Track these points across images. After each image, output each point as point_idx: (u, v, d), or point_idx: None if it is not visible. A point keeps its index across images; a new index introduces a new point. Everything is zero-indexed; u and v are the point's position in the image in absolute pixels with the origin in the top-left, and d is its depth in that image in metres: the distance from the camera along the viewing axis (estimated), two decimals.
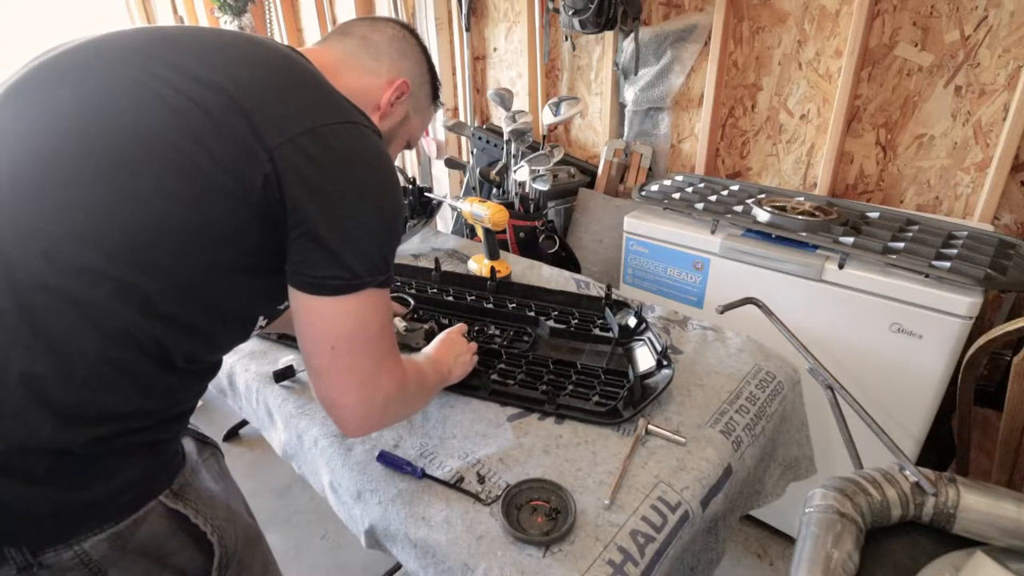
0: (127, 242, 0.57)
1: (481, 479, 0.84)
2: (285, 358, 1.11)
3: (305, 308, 0.64)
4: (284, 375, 1.07)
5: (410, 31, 0.85)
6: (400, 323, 1.13)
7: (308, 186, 0.60)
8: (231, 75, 0.61)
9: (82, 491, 0.59)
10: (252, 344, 1.18)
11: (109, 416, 0.59)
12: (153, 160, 0.57)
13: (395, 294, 1.30)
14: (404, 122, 0.86)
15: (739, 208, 1.48)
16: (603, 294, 1.28)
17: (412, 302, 1.26)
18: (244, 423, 2.22)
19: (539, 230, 1.81)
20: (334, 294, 0.63)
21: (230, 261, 0.62)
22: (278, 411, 1.03)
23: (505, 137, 1.79)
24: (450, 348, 0.97)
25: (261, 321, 0.75)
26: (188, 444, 0.75)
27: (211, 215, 0.59)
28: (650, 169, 1.98)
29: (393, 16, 2.49)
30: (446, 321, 1.14)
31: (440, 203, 1.72)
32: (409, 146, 0.91)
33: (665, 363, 1.01)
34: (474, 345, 1.04)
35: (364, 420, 0.69)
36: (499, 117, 1.93)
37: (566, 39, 2.05)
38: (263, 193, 0.59)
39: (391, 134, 0.84)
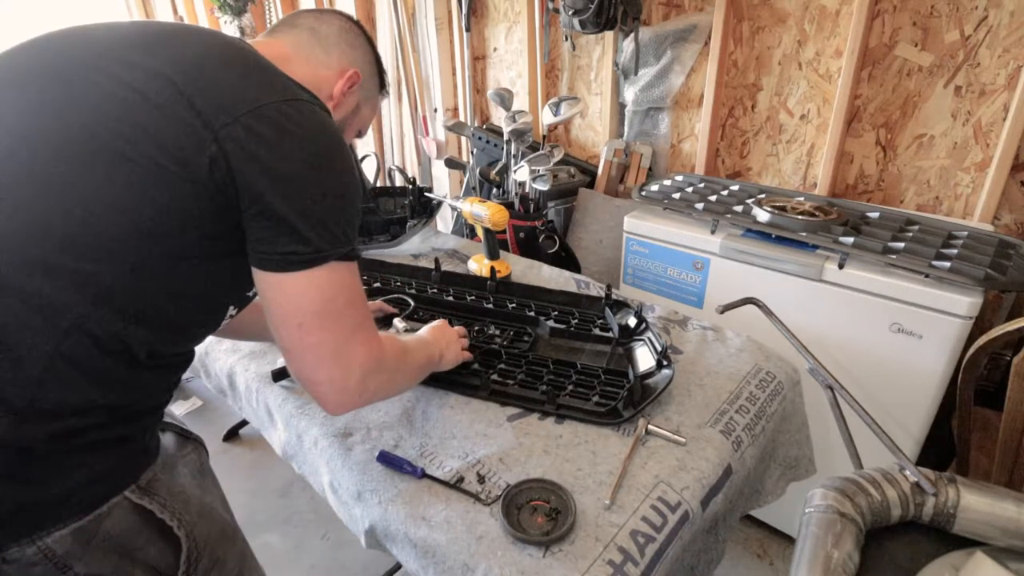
0: (82, 232, 0.57)
1: (481, 479, 0.84)
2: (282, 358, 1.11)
3: (269, 286, 0.64)
4: (283, 374, 1.07)
5: (356, 23, 0.87)
6: (400, 323, 1.13)
7: (258, 163, 0.60)
8: (172, 61, 0.62)
9: (43, 488, 0.59)
10: (252, 344, 1.18)
11: (67, 412, 0.59)
12: (102, 151, 0.58)
13: (396, 295, 1.31)
14: (355, 112, 0.87)
15: (739, 208, 1.48)
16: (603, 294, 1.28)
17: (412, 302, 1.26)
18: (244, 423, 2.22)
19: (539, 230, 1.82)
20: (296, 269, 0.63)
21: (187, 246, 0.62)
22: (278, 411, 1.03)
23: (505, 137, 1.79)
24: (441, 333, 0.98)
25: (232, 311, 0.74)
26: (168, 439, 0.74)
27: (161, 201, 0.59)
28: (650, 169, 1.98)
29: (393, 16, 2.49)
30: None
31: (440, 203, 1.72)
32: (360, 135, 0.93)
33: (665, 363, 1.01)
34: (463, 329, 1.05)
35: (342, 395, 0.69)
36: (499, 117, 1.93)
37: (566, 39, 2.05)
38: (210, 175, 0.59)
39: (342, 123, 0.86)
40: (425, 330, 0.98)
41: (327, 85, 0.80)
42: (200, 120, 0.59)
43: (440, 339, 0.97)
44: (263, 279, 0.64)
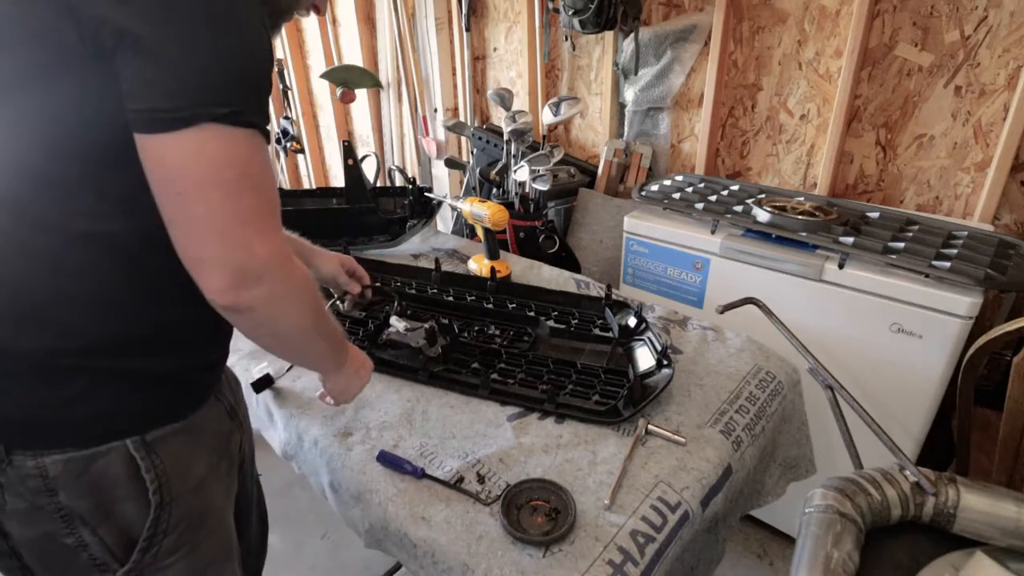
0: (36, 147, 0.56)
1: (481, 479, 0.84)
2: (259, 366, 1.08)
3: (142, 150, 0.54)
4: (263, 384, 1.05)
5: None
6: (400, 323, 1.13)
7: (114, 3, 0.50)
8: None
9: (46, 408, 0.62)
10: (252, 344, 1.17)
11: (67, 330, 0.61)
12: None
13: (381, 284, 1.28)
14: None
15: (739, 208, 1.48)
16: (603, 294, 1.28)
17: (396, 296, 1.25)
18: None
19: (539, 230, 1.81)
20: (163, 130, 0.52)
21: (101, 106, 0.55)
22: (278, 411, 1.03)
23: (505, 137, 1.79)
24: (362, 361, 0.88)
25: None
26: (212, 411, 0.75)
27: (66, 91, 0.54)
28: (650, 169, 1.98)
29: (393, 16, 2.48)
30: (446, 321, 1.14)
31: (440, 203, 1.72)
32: None
33: (665, 363, 1.01)
34: (370, 366, 0.90)
35: (233, 280, 0.57)
36: (499, 117, 1.93)
37: (566, 39, 2.04)
38: (81, 37, 0.52)
39: None
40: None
41: None
42: None
43: (358, 362, 0.87)
44: (137, 141, 0.54)
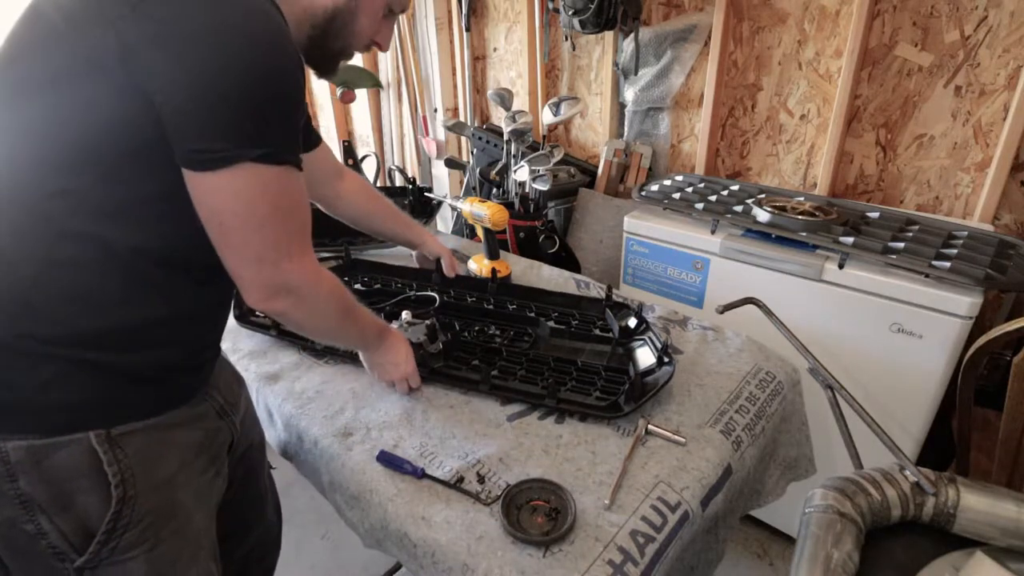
0: (51, 148, 0.60)
1: (481, 479, 0.84)
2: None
3: (188, 185, 0.62)
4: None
5: None
6: (406, 315, 1.12)
7: (158, 44, 0.56)
8: None
9: (11, 392, 0.63)
10: (252, 343, 1.18)
11: (43, 318, 0.62)
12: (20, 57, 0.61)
13: (421, 292, 1.30)
14: None
15: (739, 208, 1.48)
16: (603, 295, 1.28)
17: (436, 297, 1.24)
18: None
19: (539, 230, 1.81)
20: (205, 169, 0.60)
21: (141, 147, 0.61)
22: (278, 411, 1.03)
23: (505, 137, 1.79)
24: (405, 354, 0.98)
25: None
26: (199, 409, 0.77)
27: (86, 103, 0.58)
28: (650, 169, 1.98)
29: None
30: (446, 320, 1.14)
31: (440, 203, 1.72)
32: (392, 10, 0.80)
33: (666, 360, 1.01)
34: (416, 378, 1.01)
35: (266, 294, 0.68)
36: (499, 117, 1.93)
37: (566, 39, 2.05)
38: (122, 68, 0.56)
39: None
40: (396, 334, 0.99)
41: None
42: (101, 12, 0.57)
43: (392, 353, 0.97)
44: (184, 176, 0.61)
